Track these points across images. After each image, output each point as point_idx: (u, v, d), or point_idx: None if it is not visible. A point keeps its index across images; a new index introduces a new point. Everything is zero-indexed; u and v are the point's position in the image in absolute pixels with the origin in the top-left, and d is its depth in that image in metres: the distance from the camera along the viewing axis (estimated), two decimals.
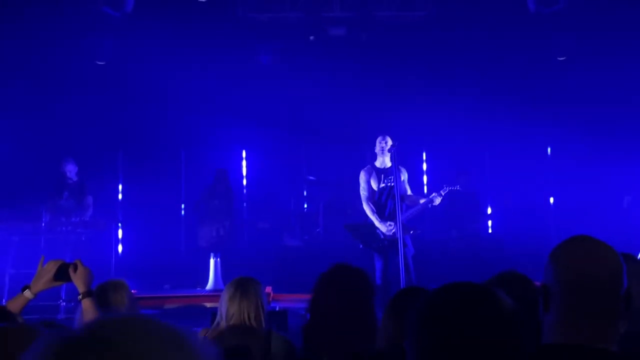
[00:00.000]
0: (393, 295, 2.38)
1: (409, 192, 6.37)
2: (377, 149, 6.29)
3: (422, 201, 6.26)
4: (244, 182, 10.43)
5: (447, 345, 1.16)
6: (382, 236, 6.19)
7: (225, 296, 2.97)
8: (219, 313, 3.01)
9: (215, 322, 3.01)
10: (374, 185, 6.29)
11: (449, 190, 6.28)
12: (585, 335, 1.50)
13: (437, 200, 6.18)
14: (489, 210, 9.70)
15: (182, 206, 10.13)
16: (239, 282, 3.00)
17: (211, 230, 8.33)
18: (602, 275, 1.52)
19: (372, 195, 6.31)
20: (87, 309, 2.54)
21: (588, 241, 1.58)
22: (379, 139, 6.30)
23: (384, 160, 6.25)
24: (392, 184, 6.05)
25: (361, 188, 6.34)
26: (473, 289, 1.24)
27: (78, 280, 2.58)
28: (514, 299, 2.10)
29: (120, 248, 9.58)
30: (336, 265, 2.45)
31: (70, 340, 0.68)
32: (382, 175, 6.25)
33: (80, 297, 2.59)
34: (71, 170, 7.89)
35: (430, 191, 6.55)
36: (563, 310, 1.53)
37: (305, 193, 9.97)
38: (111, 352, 0.66)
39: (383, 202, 6.26)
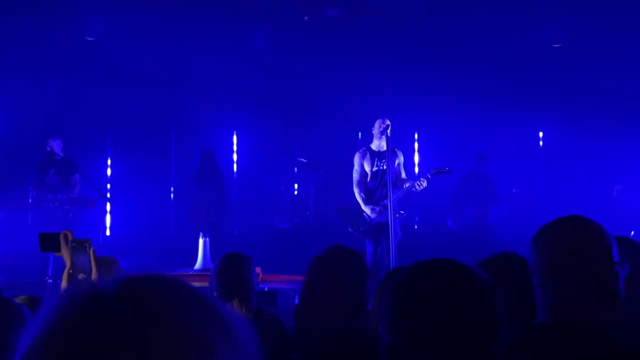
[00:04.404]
0: (383, 277, 2.37)
1: (403, 175, 6.29)
2: (376, 131, 6.15)
3: (406, 185, 6.15)
4: (234, 164, 10.37)
5: (420, 322, 1.13)
6: (368, 219, 6.16)
7: (215, 270, 2.98)
8: (209, 288, 3.00)
9: None
10: (367, 168, 6.23)
11: (436, 172, 6.11)
12: (574, 313, 1.47)
13: (424, 184, 6.06)
14: None
15: (171, 188, 10.06)
16: (229, 257, 3.01)
17: (202, 213, 8.27)
18: (587, 252, 1.48)
19: (364, 179, 6.26)
20: None
21: (574, 219, 1.55)
22: (378, 121, 6.13)
23: (381, 143, 6.15)
24: (385, 168, 6.00)
25: (354, 170, 6.29)
26: (445, 265, 1.21)
27: (67, 253, 2.35)
28: (511, 279, 2.08)
29: (108, 226, 9.52)
30: (331, 247, 2.44)
31: (101, 297, 0.62)
32: (377, 159, 6.18)
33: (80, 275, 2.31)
34: (56, 146, 7.68)
35: (420, 171, 6.48)
36: (547, 291, 1.51)
37: (296, 172, 9.91)
38: (145, 314, 0.60)
39: (375, 186, 6.21)
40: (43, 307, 0.63)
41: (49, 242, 2.29)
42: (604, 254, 1.49)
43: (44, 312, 0.62)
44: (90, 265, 2.13)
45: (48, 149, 7.60)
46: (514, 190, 8.51)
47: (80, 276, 2.12)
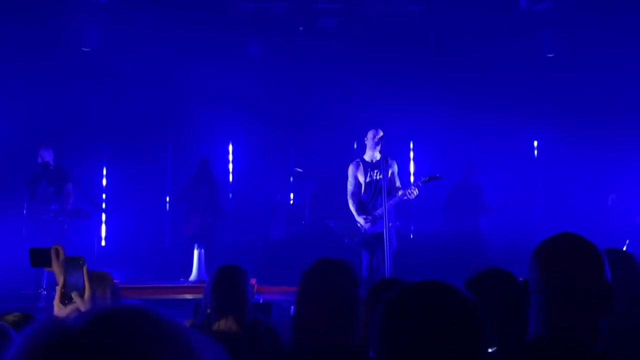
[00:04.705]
0: (370, 288, 2.37)
1: (397, 184, 6.26)
2: (369, 142, 6.14)
3: (399, 193, 6.14)
4: (230, 173, 10.36)
5: (406, 347, 1.16)
6: (363, 230, 6.16)
7: (210, 284, 2.94)
8: (203, 302, 2.98)
9: (201, 311, 2.98)
10: (361, 179, 6.22)
11: (426, 180, 6.06)
12: (566, 330, 1.52)
13: (415, 192, 6.04)
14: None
15: (167, 199, 10.04)
16: (223, 270, 2.97)
17: (197, 220, 8.25)
18: (581, 271, 1.54)
19: (358, 190, 6.24)
20: (81, 307, 2.15)
21: (568, 238, 1.60)
22: (372, 132, 6.12)
23: (374, 154, 6.16)
24: (379, 178, 6.00)
25: (348, 182, 6.29)
26: (430, 289, 1.24)
27: (60, 270, 2.21)
28: (499, 295, 2.10)
29: (103, 236, 9.49)
30: (319, 260, 2.44)
31: (66, 336, 0.62)
32: (370, 169, 6.18)
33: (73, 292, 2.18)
34: (48, 156, 7.51)
35: (416, 180, 6.43)
36: (545, 306, 1.55)
37: (291, 181, 9.90)
38: (114, 353, 0.61)
39: (369, 196, 6.20)
40: (12, 344, 0.63)
41: (40, 258, 2.24)
42: (600, 271, 1.54)
43: (13, 351, 0.62)
44: (84, 283, 2.11)
45: (39, 159, 7.48)
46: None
47: (74, 294, 2.10)
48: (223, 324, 2.85)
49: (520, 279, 2.30)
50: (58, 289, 2.12)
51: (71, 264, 2.16)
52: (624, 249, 6.63)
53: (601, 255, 1.56)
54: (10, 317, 2.60)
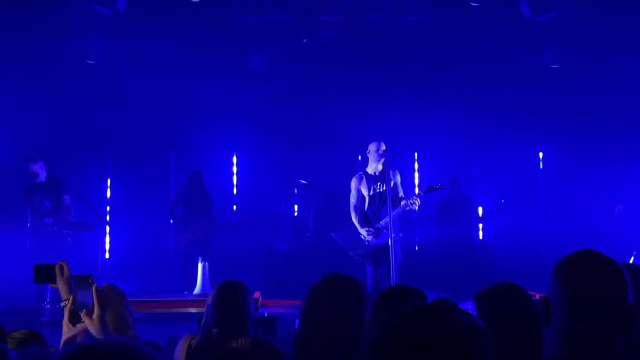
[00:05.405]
0: (377, 296, 2.35)
1: (400, 194, 6.21)
2: (372, 155, 6.11)
3: (402, 203, 6.07)
4: (234, 186, 10.34)
5: None
6: (366, 242, 6.11)
7: (211, 300, 2.91)
8: (204, 317, 2.95)
9: (202, 327, 2.95)
10: (365, 192, 6.19)
11: (427, 189, 6.02)
12: (588, 348, 1.48)
13: (417, 202, 5.95)
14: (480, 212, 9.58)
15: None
16: (225, 286, 2.94)
17: (189, 233, 8.19)
18: (607, 291, 1.51)
19: (362, 203, 6.20)
20: (90, 326, 2.06)
21: (593, 256, 1.56)
22: (374, 144, 6.09)
23: (377, 166, 6.14)
24: (383, 190, 5.98)
25: (351, 195, 6.25)
26: (421, 314, 1.19)
27: (65, 287, 2.17)
28: (509, 310, 2.06)
29: (107, 249, 9.47)
30: (329, 274, 2.41)
31: None
32: (373, 182, 6.15)
33: (82, 311, 2.09)
34: (38, 169, 7.24)
35: (418, 191, 6.38)
36: (567, 325, 1.52)
37: (296, 193, 9.87)
38: None
39: (373, 209, 6.16)
40: None
41: (44, 274, 2.19)
42: (626, 293, 1.52)
43: None
44: (92, 301, 2.08)
45: (30, 172, 7.22)
46: (502, 201, 8.52)
47: (82, 313, 2.06)
48: (224, 340, 2.82)
49: (532, 293, 2.26)
50: (67, 308, 2.08)
51: (80, 283, 2.12)
52: (631, 261, 6.58)
53: (625, 276, 1.53)
54: (17, 335, 2.59)
